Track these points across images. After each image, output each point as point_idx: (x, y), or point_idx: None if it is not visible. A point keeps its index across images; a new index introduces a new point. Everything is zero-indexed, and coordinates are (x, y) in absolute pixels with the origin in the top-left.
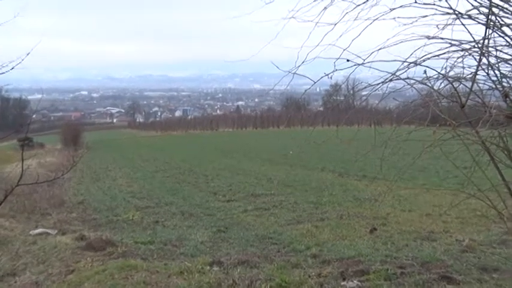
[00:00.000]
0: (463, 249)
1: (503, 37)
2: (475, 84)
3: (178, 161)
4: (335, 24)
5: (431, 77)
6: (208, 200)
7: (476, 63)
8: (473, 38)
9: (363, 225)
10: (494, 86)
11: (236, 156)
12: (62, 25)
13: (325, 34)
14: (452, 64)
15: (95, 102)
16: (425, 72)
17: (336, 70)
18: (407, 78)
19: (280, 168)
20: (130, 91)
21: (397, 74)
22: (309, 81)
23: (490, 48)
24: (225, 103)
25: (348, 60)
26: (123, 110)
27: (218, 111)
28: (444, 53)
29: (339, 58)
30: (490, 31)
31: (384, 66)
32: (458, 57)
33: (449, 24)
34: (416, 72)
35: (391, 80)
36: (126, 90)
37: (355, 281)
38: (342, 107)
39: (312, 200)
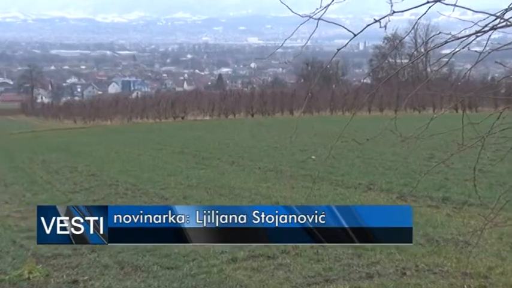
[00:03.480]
0: None
1: None
2: None
3: (115, 173)
4: None
5: None
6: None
7: None
8: None
9: None
10: None
11: (218, 164)
12: None
13: None
14: None
15: None
16: None
17: (394, 13)
18: None
19: (296, 186)
20: (25, 47)
21: (507, 16)
22: (344, 32)
23: None
24: (197, 71)
25: None
26: (11, 82)
27: (186, 85)
28: None
29: None
30: None
31: (480, 4)
32: None
33: None
34: None
35: (494, 29)
36: (17, 44)
37: None
38: (404, 77)
39: None
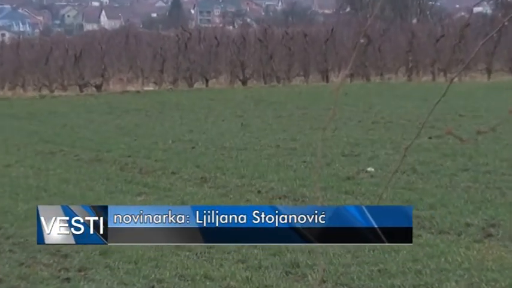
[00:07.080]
0: None
1: None
2: None
3: None
4: None
5: None
6: None
7: None
8: None
9: None
10: None
11: (173, 183)
12: None
13: None
14: None
15: None
16: None
17: None
18: None
19: None
20: None
21: None
22: None
23: None
24: None
25: None
26: None
27: (104, 20)
28: None
29: None
30: None
31: None
32: None
33: None
34: None
35: None
36: None
37: None
38: None
39: None
